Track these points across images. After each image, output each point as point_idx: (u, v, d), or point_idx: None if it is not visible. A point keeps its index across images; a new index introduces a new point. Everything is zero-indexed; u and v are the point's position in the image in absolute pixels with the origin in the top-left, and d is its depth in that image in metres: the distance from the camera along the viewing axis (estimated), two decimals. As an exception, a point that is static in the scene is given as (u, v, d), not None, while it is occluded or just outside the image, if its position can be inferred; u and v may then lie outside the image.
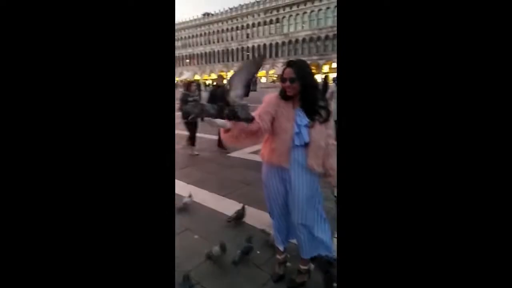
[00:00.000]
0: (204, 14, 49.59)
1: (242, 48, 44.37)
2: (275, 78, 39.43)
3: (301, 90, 1.36)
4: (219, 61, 47.52)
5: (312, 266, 1.65)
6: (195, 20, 50.31)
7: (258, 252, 1.93)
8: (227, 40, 46.30)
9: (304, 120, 1.38)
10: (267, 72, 41.60)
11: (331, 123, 1.46)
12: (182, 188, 3.08)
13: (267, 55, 41.52)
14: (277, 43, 40.53)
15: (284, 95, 1.39)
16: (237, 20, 44.48)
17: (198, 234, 2.17)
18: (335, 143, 1.45)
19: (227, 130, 1.31)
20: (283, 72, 1.37)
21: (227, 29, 46.01)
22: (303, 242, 1.52)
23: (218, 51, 47.46)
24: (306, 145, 1.40)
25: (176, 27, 52.12)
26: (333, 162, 1.44)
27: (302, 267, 1.62)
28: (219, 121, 1.28)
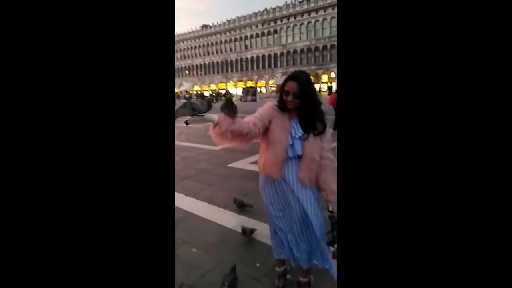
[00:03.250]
0: (202, 26, 50.45)
1: (241, 59, 44.94)
2: (274, 89, 39.81)
3: (301, 104, 1.37)
4: (218, 72, 48.03)
5: (312, 278, 1.64)
6: (193, 32, 51.13)
7: (258, 264, 1.92)
8: (226, 51, 46.92)
9: (299, 132, 1.38)
10: (267, 83, 42.00)
11: (327, 136, 1.46)
12: (180, 199, 3.08)
13: (266, 65, 42.04)
14: (275, 54, 41.08)
15: (282, 107, 1.40)
16: (235, 31, 45.21)
17: (197, 248, 2.15)
18: (331, 156, 1.46)
19: (215, 126, 1.27)
20: (285, 84, 1.37)
21: (226, 41, 46.70)
22: (303, 253, 1.51)
23: (217, 62, 48.03)
24: (299, 157, 1.40)
25: (175, 38, 52.97)
26: (326, 175, 1.44)
27: (302, 279, 1.61)
28: (208, 115, 1.25)
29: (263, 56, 42.44)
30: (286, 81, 1.38)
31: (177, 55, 53.27)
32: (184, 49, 52.45)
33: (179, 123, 1.35)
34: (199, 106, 1.26)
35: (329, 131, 1.49)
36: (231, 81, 46.04)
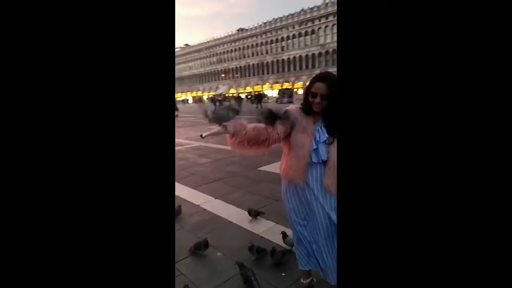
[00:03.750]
0: (238, 30, 51.49)
1: (278, 60, 44.98)
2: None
3: (328, 106, 1.28)
4: (254, 75, 48.59)
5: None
6: (229, 35, 52.44)
7: (283, 274, 1.84)
8: (261, 53, 47.33)
9: (323, 136, 1.31)
10: (304, 84, 41.48)
11: None
12: (209, 202, 3.11)
13: (303, 66, 41.57)
14: (313, 54, 40.43)
15: (307, 110, 1.33)
16: (271, 33, 45.42)
17: (221, 252, 2.14)
18: None
19: (231, 137, 1.25)
20: (312, 86, 1.29)
21: (262, 43, 47.11)
22: (330, 266, 1.41)
23: (253, 64, 48.63)
24: (324, 163, 1.32)
25: (211, 43, 55.00)
26: None
27: (329, 294, 1.50)
28: (221, 130, 1.24)
29: (300, 57, 42.02)
30: (313, 82, 1.30)
31: (214, 59, 55.07)
32: (220, 53, 54.00)
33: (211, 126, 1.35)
34: (236, 107, 1.26)
35: None
36: (267, 83, 46.25)
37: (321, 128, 1.32)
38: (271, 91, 42.89)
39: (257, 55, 47.97)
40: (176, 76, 67.87)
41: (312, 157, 1.31)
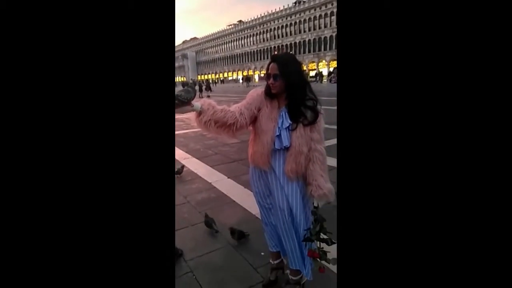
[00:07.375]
0: (295, 2, 49.73)
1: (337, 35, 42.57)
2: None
3: (287, 89, 1.31)
4: (309, 51, 46.95)
5: (305, 278, 1.58)
6: (285, 9, 50.99)
7: (262, 253, 1.96)
8: (319, 28, 45.23)
9: (287, 122, 1.33)
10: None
11: (319, 125, 1.36)
12: (220, 181, 3.31)
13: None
14: (377, 27, 37.23)
15: (269, 93, 1.36)
16: (332, 4, 42.88)
17: (214, 227, 2.33)
18: (320, 147, 1.36)
19: (198, 115, 1.29)
20: (267, 66, 1.34)
21: (320, 16, 44.89)
22: (289, 251, 1.48)
23: (309, 40, 46.89)
24: (287, 149, 1.35)
25: (265, 18, 54.17)
26: (314, 169, 1.35)
27: (292, 277, 1.58)
28: (187, 107, 1.26)
29: (362, 30, 39.04)
30: (268, 63, 1.34)
31: (267, 35, 54.43)
32: (274, 28, 53.08)
33: None
34: (184, 95, 1.28)
35: (323, 122, 1.38)
36: (324, 61, 44.39)
37: (285, 113, 1.35)
38: (327, 69, 41.09)
39: (314, 29, 45.98)
40: (227, 55, 67.98)
41: (275, 143, 1.35)
